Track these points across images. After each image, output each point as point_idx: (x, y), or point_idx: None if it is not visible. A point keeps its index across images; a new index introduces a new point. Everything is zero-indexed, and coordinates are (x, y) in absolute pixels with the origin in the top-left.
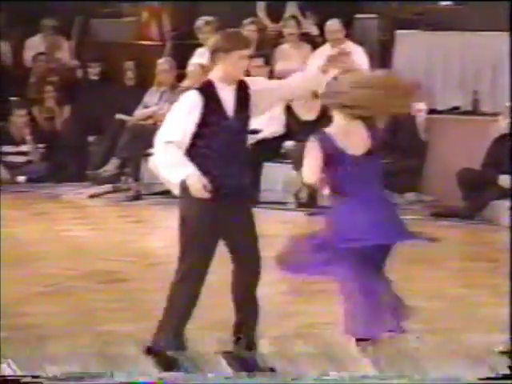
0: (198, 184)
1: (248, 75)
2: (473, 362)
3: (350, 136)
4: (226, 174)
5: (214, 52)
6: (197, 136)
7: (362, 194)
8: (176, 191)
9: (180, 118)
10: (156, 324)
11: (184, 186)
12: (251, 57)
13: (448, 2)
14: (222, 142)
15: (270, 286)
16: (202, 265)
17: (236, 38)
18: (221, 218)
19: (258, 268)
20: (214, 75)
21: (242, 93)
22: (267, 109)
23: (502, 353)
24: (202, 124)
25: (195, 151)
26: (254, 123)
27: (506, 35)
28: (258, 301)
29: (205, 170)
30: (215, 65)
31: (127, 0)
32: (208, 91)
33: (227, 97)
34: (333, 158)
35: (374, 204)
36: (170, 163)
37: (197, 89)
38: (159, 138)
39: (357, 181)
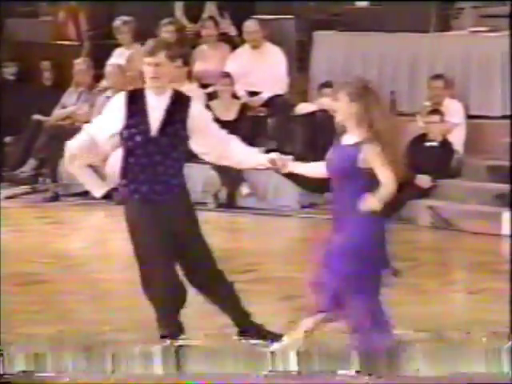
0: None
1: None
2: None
3: None
4: (141, 180)
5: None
6: (120, 137)
7: None
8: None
9: (102, 115)
10: (76, 325)
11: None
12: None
13: (364, 3)
14: (139, 147)
15: None
16: (157, 265)
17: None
18: (156, 219)
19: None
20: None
21: (177, 106)
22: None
23: None
24: (125, 126)
25: (124, 152)
26: None
27: (422, 36)
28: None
29: (124, 172)
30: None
31: (45, 0)
32: (135, 96)
33: (153, 103)
34: None
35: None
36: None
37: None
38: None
39: None
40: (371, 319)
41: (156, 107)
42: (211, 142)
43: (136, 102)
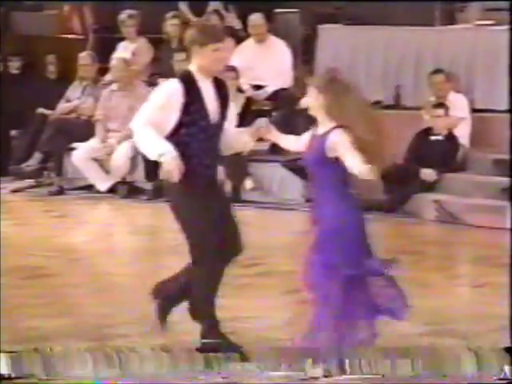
0: (171, 164)
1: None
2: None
3: None
4: (205, 164)
5: (190, 45)
6: (179, 124)
7: None
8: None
9: (158, 104)
10: (81, 318)
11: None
12: (175, 51)
13: None
14: (201, 132)
15: None
16: (209, 250)
17: (210, 31)
18: (208, 204)
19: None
20: (192, 68)
21: (221, 89)
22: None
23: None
24: (184, 113)
25: (177, 139)
26: None
27: (427, 29)
28: None
29: (186, 158)
30: (191, 58)
31: None
32: (188, 81)
33: (206, 89)
34: None
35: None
36: (149, 140)
37: (177, 78)
38: (136, 121)
39: None
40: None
41: (208, 91)
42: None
43: (191, 88)
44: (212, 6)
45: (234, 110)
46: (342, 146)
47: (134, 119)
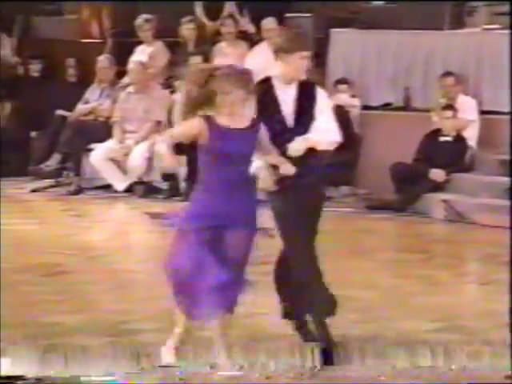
0: (266, 179)
1: None
2: (406, 349)
3: None
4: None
5: (276, 52)
6: None
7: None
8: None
9: None
10: (98, 314)
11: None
12: (190, 54)
13: (381, 2)
14: (278, 136)
15: None
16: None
17: (298, 39)
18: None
19: None
20: (273, 73)
21: (305, 93)
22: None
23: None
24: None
25: None
26: None
27: (436, 33)
28: None
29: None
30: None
31: None
32: (264, 86)
33: (285, 94)
34: None
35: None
36: None
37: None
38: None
39: None
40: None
41: (287, 97)
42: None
43: (267, 93)
44: (227, 10)
45: (325, 111)
46: None
47: None
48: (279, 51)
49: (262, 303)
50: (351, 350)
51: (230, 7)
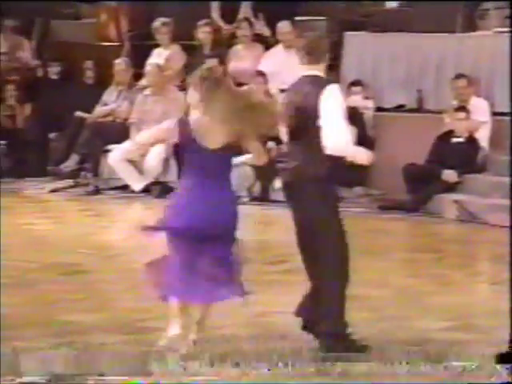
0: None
1: None
2: (418, 347)
3: None
4: None
5: (321, 54)
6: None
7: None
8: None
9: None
10: (116, 313)
11: None
12: (206, 57)
13: (394, 4)
14: None
15: None
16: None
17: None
18: None
19: None
20: (319, 73)
21: None
22: None
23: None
24: None
25: None
26: None
27: (449, 36)
28: None
29: None
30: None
31: (86, 0)
32: None
33: None
34: None
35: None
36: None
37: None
38: (344, 139)
39: None
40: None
41: None
42: None
43: None
44: (242, 14)
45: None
46: None
47: (342, 137)
48: (324, 54)
49: (277, 301)
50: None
51: (245, 11)
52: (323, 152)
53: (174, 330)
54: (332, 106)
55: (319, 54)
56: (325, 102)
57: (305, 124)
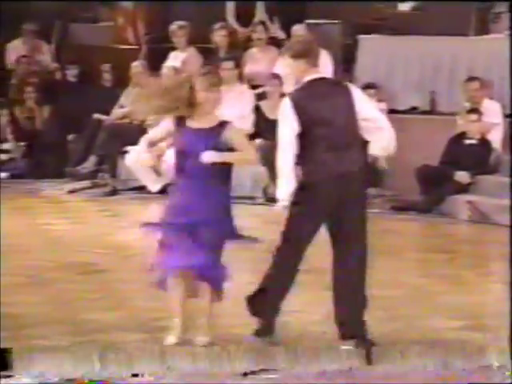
0: None
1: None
2: (431, 347)
3: None
4: None
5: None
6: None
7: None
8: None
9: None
10: (134, 312)
11: None
12: (221, 60)
13: (407, 7)
14: None
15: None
16: None
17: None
18: None
19: None
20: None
21: None
22: None
23: None
24: None
25: None
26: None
27: (462, 39)
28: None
29: None
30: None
31: (106, 0)
32: None
33: None
34: None
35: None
36: None
37: None
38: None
39: None
40: None
41: None
42: None
43: None
44: (257, 17)
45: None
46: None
47: None
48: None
49: (294, 301)
50: (377, 349)
51: (260, 14)
52: (364, 152)
53: (170, 339)
54: (372, 104)
55: (317, 56)
56: (364, 102)
57: (349, 125)
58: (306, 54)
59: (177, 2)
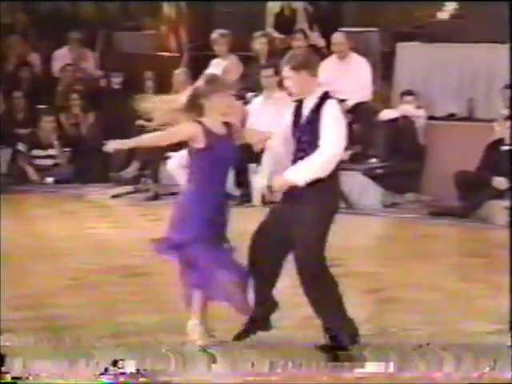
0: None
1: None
2: (470, 351)
3: None
4: None
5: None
6: None
7: None
8: None
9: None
10: (175, 313)
11: None
12: (262, 67)
13: (446, 15)
14: None
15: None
16: None
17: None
18: None
19: None
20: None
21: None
22: None
23: None
24: None
25: None
26: None
27: (500, 47)
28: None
29: None
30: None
31: None
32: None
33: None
34: None
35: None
36: None
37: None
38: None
39: None
40: None
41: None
42: None
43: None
44: (297, 25)
45: None
46: None
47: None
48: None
49: None
50: (413, 352)
51: (300, 22)
52: None
53: (199, 343)
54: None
55: (317, 67)
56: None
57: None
58: (307, 66)
59: (219, 8)
